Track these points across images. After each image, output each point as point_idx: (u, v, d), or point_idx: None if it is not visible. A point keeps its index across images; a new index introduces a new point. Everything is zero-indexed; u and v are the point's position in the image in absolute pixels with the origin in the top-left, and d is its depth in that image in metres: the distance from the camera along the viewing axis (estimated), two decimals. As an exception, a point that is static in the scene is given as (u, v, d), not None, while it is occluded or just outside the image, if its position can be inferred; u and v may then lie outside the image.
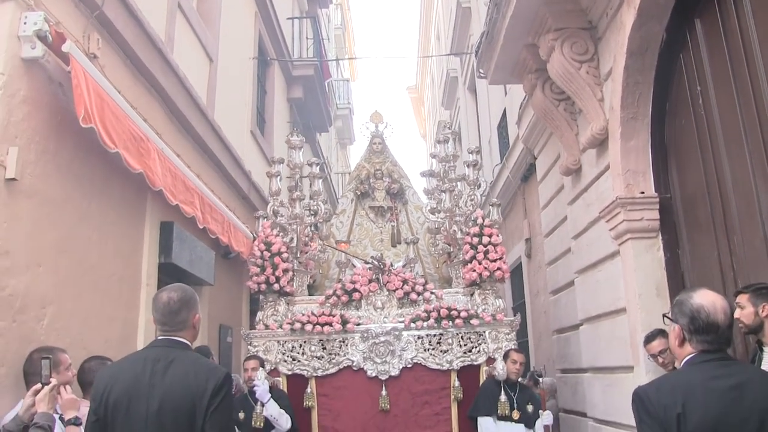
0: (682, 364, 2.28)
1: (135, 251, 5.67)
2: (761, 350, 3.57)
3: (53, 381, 3.29)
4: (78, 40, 4.50)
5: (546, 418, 6.12)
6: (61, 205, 4.42)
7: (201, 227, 6.57)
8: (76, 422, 3.43)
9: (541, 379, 6.89)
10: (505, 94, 10.56)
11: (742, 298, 3.61)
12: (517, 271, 10.98)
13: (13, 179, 3.81)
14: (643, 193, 5.41)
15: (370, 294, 6.76)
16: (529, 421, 5.98)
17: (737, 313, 3.63)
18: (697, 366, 2.21)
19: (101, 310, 4.95)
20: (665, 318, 2.41)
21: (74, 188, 4.61)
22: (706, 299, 2.24)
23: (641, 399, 2.21)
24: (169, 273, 6.27)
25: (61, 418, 3.41)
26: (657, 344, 4.64)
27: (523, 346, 6.87)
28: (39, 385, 3.25)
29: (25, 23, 3.96)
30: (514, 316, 6.87)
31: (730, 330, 2.23)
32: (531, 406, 6.03)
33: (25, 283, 3.96)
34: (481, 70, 7.93)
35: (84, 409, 3.58)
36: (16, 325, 3.84)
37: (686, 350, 2.26)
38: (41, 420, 3.11)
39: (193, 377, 2.65)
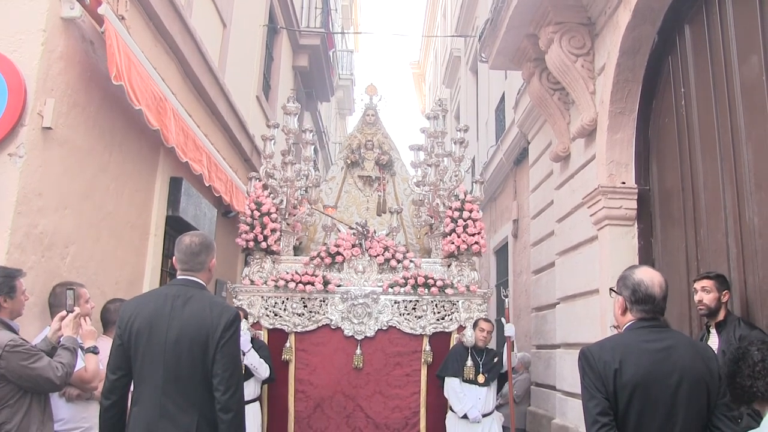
0: (623, 329, 2.68)
1: (146, 202, 6.01)
2: (708, 332, 3.99)
3: (77, 310, 3.67)
4: (109, 1, 4.80)
5: (508, 330, 6.47)
6: (86, 154, 4.76)
7: (207, 185, 6.90)
8: (94, 351, 3.83)
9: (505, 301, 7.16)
10: (505, 78, 10.77)
11: (708, 284, 3.92)
12: (503, 250, 11.25)
13: (49, 128, 4.15)
14: (624, 183, 5.76)
15: (353, 258, 7.06)
16: (492, 379, 6.34)
17: (700, 296, 3.93)
18: (634, 331, 2.60)
19: (114, 253, 5.31)
20: (611, 291, 2.80)
21: (98, 140, 4.94)
22: (645, 275, 2.62)
23: (586, 356, 2.59)
24: (175, 225, 6.59)
25: (81, 347, 3.78)
26: None
27: (502, 323, 7.22)
28: (64, 312, 3.63)
29: (65, -15, 4.28)
30: (502, 293, 7.14)
31: (664, 301, 2.61)
32: (496, 358, 6.39)
33: (53, 223, 4.31)
34: (483, 55, 8.21)
35: (102, 341, 3.98)
36: (44, 260, 4.21)
37: (627, 318, 2.66)
38: (68, 342, 3.50)
39: (208, 313, 3.00)
